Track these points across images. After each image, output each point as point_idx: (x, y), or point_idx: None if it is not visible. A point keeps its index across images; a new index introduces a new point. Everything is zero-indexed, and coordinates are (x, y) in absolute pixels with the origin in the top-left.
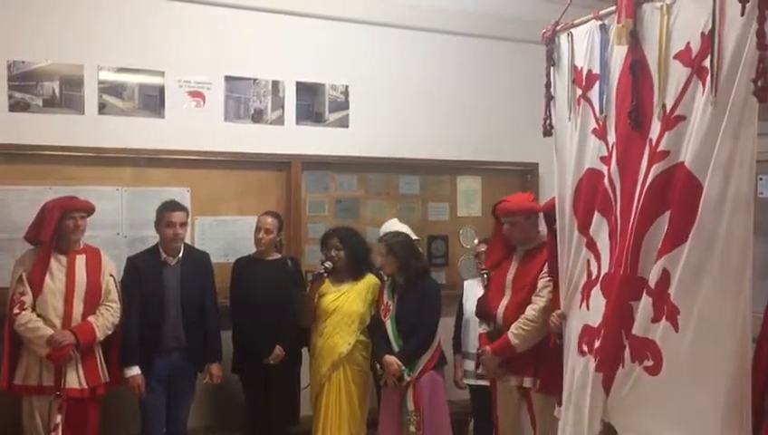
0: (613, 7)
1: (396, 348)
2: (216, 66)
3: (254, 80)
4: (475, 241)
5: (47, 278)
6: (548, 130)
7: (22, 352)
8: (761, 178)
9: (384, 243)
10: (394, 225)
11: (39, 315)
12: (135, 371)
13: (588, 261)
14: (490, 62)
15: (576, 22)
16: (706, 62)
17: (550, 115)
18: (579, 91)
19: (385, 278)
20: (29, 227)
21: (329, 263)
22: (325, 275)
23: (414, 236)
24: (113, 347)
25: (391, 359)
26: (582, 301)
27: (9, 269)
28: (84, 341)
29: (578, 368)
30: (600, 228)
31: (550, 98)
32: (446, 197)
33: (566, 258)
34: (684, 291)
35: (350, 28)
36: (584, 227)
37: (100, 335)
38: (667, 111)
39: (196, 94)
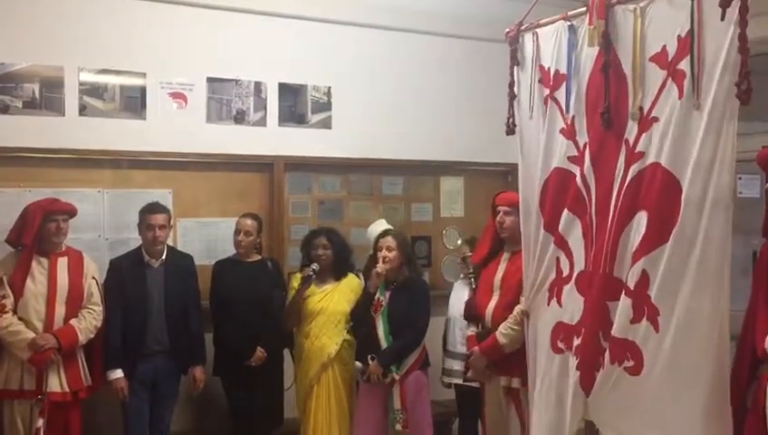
0: (582, 8)
1: (385, 344)
2: (197, 67)
3: (237, 81)
4: (458, 242)
5: (29, 281)
6: (511, 129)
7: (3, 355)
8: (740, 178)
9: (392, 236)
10: (382, 225)
11: (20, 319)
12: (118, 374)
13: (557, 259)
14: (472, 63)
15: (542, 22)
16: (682, 65)
17: (513, 114)
18: (546, 91)
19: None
20: (10, 229)
21: (316, 265)
22: (314, 277)
23: None
24: (96, 350)
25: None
26: (551, 298)
27: None
28: (66, 344)
29: (554, 365)
30: (571, 227)
31: (513, 97)
32: (430, 197)
33: (531, 256)
34: (665, 292)
35: (333, 29)
36: (551, 226)
37: (82, 339)
38: (644, 112)
39: (177, 96)
